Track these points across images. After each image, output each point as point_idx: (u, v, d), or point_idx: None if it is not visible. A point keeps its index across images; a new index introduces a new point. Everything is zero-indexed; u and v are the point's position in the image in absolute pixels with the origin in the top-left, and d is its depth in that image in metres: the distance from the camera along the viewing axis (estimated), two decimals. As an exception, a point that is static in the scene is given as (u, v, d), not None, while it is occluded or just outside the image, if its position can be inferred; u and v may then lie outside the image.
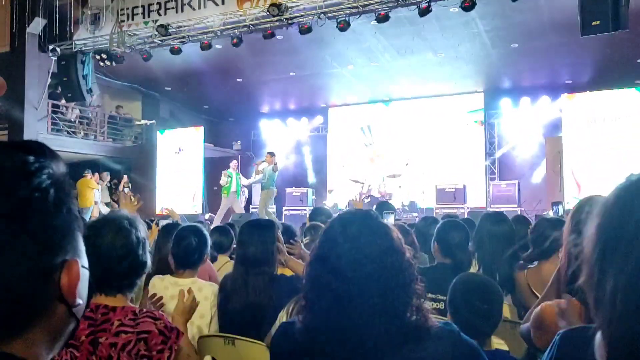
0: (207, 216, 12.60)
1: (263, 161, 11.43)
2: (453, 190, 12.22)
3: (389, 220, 3.88)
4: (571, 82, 12.88)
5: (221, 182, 11.76)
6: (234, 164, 12.07)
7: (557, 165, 11.54)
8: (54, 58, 11.76)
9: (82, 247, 0.68)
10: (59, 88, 12.51)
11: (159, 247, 3.22)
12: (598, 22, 7.19)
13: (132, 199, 3.39)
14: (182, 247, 2.80)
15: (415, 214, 12.20)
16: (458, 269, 2.74)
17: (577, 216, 1.54)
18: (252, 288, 2.50)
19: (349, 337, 1.14)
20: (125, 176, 14.05)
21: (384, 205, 5.31)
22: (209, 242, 2.95)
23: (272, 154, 11.18)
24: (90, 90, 11.83)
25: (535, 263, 2.86)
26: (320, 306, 1.18)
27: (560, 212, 7.50)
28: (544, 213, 9.78)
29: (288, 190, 14.02)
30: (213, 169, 15.30)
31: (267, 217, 7.81)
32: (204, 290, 2.78)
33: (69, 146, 13.39)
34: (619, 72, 11.66)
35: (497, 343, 2.15)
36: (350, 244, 1.17)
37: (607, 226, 0.68)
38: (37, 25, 11.61)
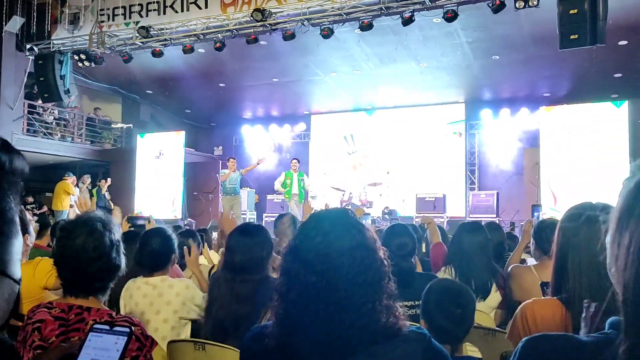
0: (186, 222, 12.51)
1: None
2: (433, 199, 12.33)
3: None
4: (549, 95, 13.12)
5: (275, 185, 11.32)
6: (295, 164, 11.25)
7: (535, 177, 11.72)
8: (32, 57, 11.58)
9: (13, 256, 0.61)
10: (36, 88, 12.32)
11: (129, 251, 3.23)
12: (576, 36, 7.35)
13: (111, 204, 3.39)
14: (147, 254, 2.82)
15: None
16: (400, 277, 2.78)
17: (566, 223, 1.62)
18: (237, 296, 2.47)
19: (316, 331, 1.15)
20: (108, 179, 13.88)
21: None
22: (175, 243, 2.95)
23: (233, 159, 11.51)
24: (68, 91, 11.66)
25: (535, 262, 2.94)
26: (290, 298, 1.20)
27: (541, 217, 7.63)
28: (522, 223, 9.91)
29: (269, 196, 13.98)
30: (193, 174, 15.22)
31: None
32: (175, 287, 2.79)
33: (45, 148, 13.19)
34: (596, 85, 11.92)
35: (471, 350, 2.17)
36: (321, 237, 1.19)
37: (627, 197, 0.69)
38: (14, 24, 11.44)
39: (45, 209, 14.03)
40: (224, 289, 2.52)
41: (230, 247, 2.56)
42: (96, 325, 1.35)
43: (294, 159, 11.63)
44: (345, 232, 1.20)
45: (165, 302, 2.76)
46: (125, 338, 1.31)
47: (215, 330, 2.49)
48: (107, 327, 1.34)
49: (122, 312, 2.75)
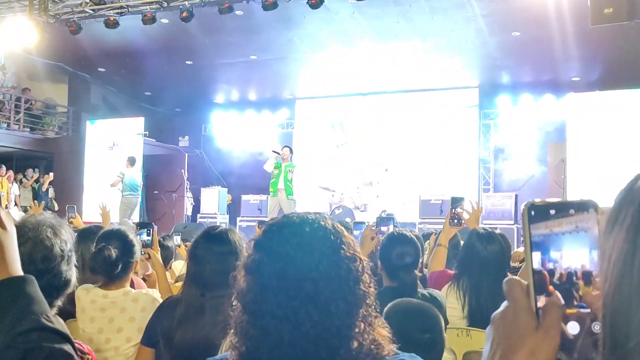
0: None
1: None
2: (439, 202, 12.38)
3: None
4: (579, 79, 13.22)
5: (265, 166, 11.25)
6: (286, 151, 11.27)
7: (561, 176, 11.83)
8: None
9: None
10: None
11: (82, 254, 3.21)
12: (611, 10, 7.40)
13: (55, 203, 3.38)
14: (101, 260, 2.81)
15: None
16: (403, 293, 2.78)
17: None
18: (211, 316, 2.39)
19: None
20: (50, 174, 13.79)
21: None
22: (137, 247, 2.96)
23: (131, 160, 11.74)
24: (3, 68, 11.56)
25: None
26: (246, 330, 1.22)
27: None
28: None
29: (244, 197, 13.97)
30: (154, 169, 15.17)
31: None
32: (140, 301, 2.82)
33: (-26, 135, 13.09)
34: (634, 69, 12.03)
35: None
36: (281, 247, 1.23)
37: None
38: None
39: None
40: (192, 309, 2.45)
41: (197, 257, 2.51)
42: None
43: (285, 146, 11.62)
44: (312, 240, 1.24)
45: (128, 319, 2.77)
46: None
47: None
48: None
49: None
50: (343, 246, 1.25)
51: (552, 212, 0.73)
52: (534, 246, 0.73)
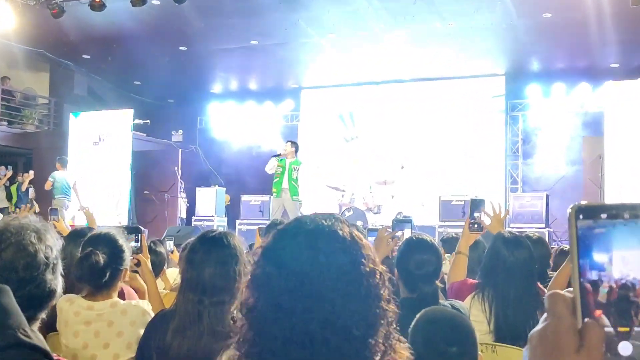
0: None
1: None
2: (462, 203, 12.32)
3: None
4: (618, 66, 13.14)
5: (267, 168, 11.32)
6: (289, 147, 11.32)
7: (598, 174, 11.77)
8: None
9: None
10: None
11: (70, 257, 3.23)
12: (654, -11, 7.38)
13: (36, 205, 3.40)
14: (87, 268, 2.81)
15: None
16: (422, 306, 2.82)
17: None
18: (209, 325, 2.43)
19: None
20: (30, 172, 13.83)
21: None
22: (127, 253, 2.98)
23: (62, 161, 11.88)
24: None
25: None
26: (252, 350, 1.22)
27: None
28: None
29: (244, 197, 13.97)
30: (144, 166, 15.20)
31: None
32: (129, 314, 2.82)
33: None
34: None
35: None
36: (295, 261, 1.23)
37: None
38: None
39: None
40: (190, 318, 2.46)
41: (194, 261, 2.54)
42: None
43: (288, 141, 11.64)
44: (331, 262, 1.23)
45: (116, 333, 2.78)
46: None
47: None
48: None
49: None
50: (363, 260, 1.26)
51: (604, 216, 0.71)
52: (581, 255, 0.71)
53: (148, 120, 14.30)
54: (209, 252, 2.52)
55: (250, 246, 5.62)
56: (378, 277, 1.26)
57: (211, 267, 2.47)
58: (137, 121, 13.92)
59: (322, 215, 1.33)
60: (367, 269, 1.25)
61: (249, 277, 1.29)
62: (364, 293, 1.23)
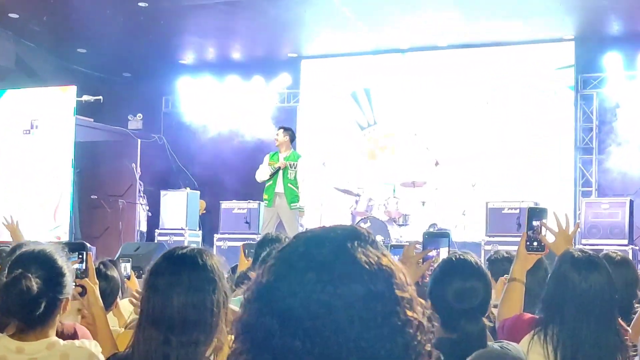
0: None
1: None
2: (516, 211, 12.31)
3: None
4: None
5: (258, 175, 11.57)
6: (281, 136, 11.61)
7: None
8: None
9: None
10: None
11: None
12: None
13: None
14: (15, 296, 2.81)
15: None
16: (464, 350, 2.79)
17: None
18: None
19: None
20: None
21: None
22: (68, 277, 2.99)
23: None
24: None
25: None
26: None
27: None
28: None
29: (224, 204, 13.98)
30: (92, 162, 15.20)
31: None
32: (71, 357, 2.85)
33: None
34: None
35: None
36: (316, 275, 1.23)
37: None
38: None
39: None
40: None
41: (157, 287, 2.55)
42: None
43: (280, 128, 11.69)
44: (355, 268, 1.24)
45: None
46: None
47: None
48: None
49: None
50: (398, 307, 1.26)
51: None
52: None
53: (100, 97, 14.29)
54: (178, 275, 2.53)
55: (233, 269, 5.63)
56: (416, 327, 1.27)
57: (181, 295, 2.49)
58: (85, 98, 13.91)
59: (338, 230, 1.32)
60: (403, 317, 1.26)
61: (238, 323, 1.29)
62: (398, 354, 1.24)
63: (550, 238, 3.85)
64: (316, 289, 1.22)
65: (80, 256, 3.58)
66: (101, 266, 4.50)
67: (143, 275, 3.70)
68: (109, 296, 4.38)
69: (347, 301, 1.21)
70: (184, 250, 2.62)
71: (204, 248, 2.71)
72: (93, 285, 3.52)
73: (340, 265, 1.24)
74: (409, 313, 1.25)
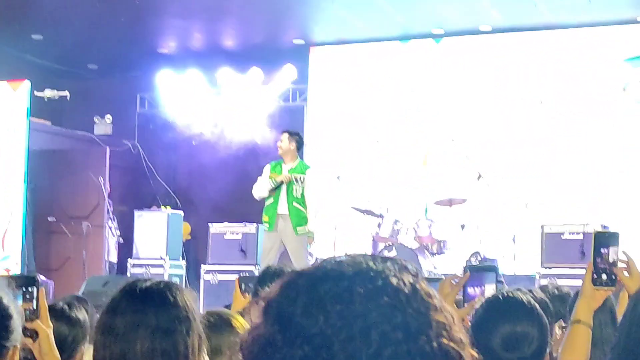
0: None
1: None
2: (580, 237, 12.34)
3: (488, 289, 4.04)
4: None
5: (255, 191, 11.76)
6: (285, 142, 11.84)
7: None
8: None
9: None
10: None
11: None
12: None
13: None
14: None
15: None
16: None
17: None
18: None
19: None
20: None
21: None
22: (16, 320, 2.93)
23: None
24: None
25: None
26: None
27: None
28: None
29: (214, 228, 14.03)
30: (50, 176, 15.26)
31: None
32: None
33: None
34: None
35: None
36: (339, 312, 1.25)
37: None
38: None
39: None
40: None
41: (116, 329, 2.62)
42: None
43: (284, 131, 11.84)
44: (385, 302, 1.26)
45: None
46: None
47: None
48: None
49: None
50: (431, 302, 1.29)
51: None
52: None
53: (67, 92, 14.38)
54: (142, 313, 2.62)
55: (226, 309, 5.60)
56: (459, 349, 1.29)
57: (146, 339, 2.57)
58: (48, 94, 14.00)
59: (361, 259, 1.33)
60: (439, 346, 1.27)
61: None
62: None
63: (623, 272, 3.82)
64: (339, 329, 1.23)
65: (31, 293, 3.54)
66: (64, 306, 4.46)
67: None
68: (72, 343, 4.36)
69: (373, 341, 1.23)
70: (148, 284, 2.64)
71: (171, 281, 2.71)
72: (46, 328, 3.51)
73: (363, 303, 1.26)
74: (445, 341, 1.27)
